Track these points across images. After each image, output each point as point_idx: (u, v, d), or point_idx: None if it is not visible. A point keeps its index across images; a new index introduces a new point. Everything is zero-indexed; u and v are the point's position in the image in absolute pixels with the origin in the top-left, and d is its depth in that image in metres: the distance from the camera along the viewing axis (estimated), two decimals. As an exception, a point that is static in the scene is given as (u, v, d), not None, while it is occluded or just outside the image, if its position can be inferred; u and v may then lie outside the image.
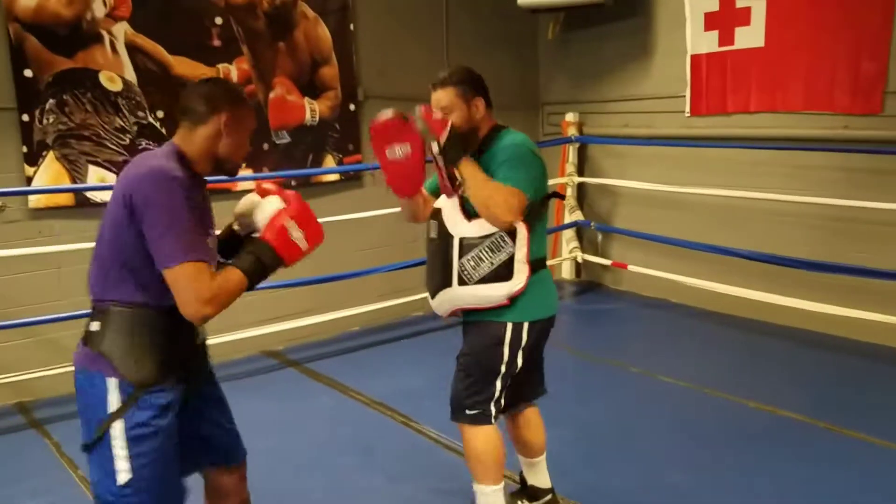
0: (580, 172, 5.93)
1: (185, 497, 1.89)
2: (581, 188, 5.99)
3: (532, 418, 2.59)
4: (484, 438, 2.35)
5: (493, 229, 2.24)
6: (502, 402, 2.39)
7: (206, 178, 1.92)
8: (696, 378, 3.99)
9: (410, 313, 5.25)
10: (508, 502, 2.54)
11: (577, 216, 5.88)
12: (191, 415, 1.89)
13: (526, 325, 2.31)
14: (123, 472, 1.71)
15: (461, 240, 2.29)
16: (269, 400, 3.96)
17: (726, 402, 3.70)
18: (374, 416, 3.74)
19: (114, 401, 1.71)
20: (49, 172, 3.94)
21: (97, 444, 1.72)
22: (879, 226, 4.32)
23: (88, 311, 1.84)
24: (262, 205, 1.89)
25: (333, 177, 5.07)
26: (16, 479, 3.14)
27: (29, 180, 3.90)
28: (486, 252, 2.26)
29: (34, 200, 3.94)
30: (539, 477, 2.65)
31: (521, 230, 2.25)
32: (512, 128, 2.40)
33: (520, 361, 2.35)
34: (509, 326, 2.31)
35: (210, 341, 4.64)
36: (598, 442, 3.29)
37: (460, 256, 2.29)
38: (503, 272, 2.26)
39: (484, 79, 2.39)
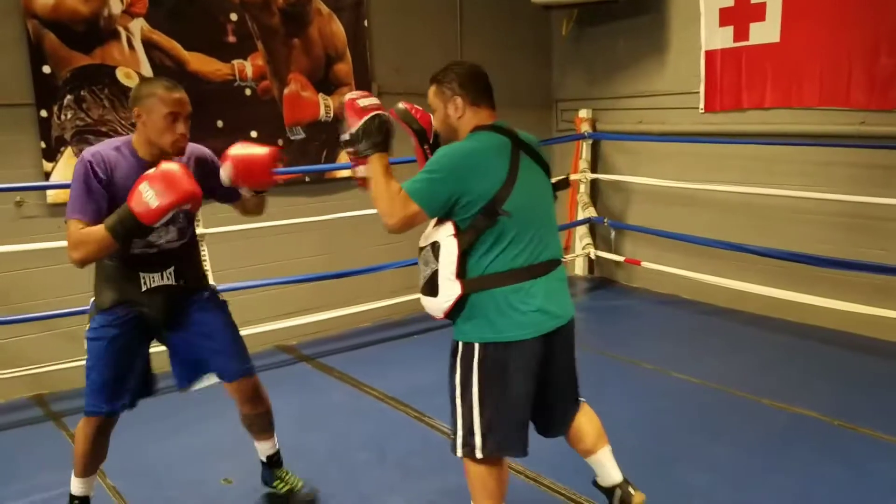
0: (593, 169, 5.92)
1: (129, 384, 2.49)
2: (594, 185, 5.98)
3: (581, 426, 2.46)
4: (474, 471, 2.22)
5: (430, 240, 2.14)
6: (485, 436, 2.15)
7: None
8: (711, 375, 3.97)
9: (423, 309, 5.25)
10: None
11: (591, 213, 5.87)
12: (175, 341, 2.56)
13: (477, 346, 2.15)
14: (87, 350, 2.46)
15: (419, 246, 2.20)
16: (284, 395, 3.95)
17: (742, 399, 3.69)
18: (387, 411, 3.76)
19: (90, 310, 2.52)
20: (67, 168, 3.97)
21: None
22: (898, 223, 4.29)
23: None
24: None
25: (347, 172, 5.08)
26: (32, 471, 3.18)
27: (47, 175, 3.95)
28: (422, 263, 2.17)
29: (52, 195, 3.98)
30: (604, 472, 2.50)
31: (448, 245, 2.09)
32: (483, 129, 2.17)
33: (475, 385, 2.14)
34: (460, 345, 2.19)
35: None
36: (612, 439, 3.26)
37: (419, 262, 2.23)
38: (429, 287, 2.15)
39: (479, 75, 2.21)
